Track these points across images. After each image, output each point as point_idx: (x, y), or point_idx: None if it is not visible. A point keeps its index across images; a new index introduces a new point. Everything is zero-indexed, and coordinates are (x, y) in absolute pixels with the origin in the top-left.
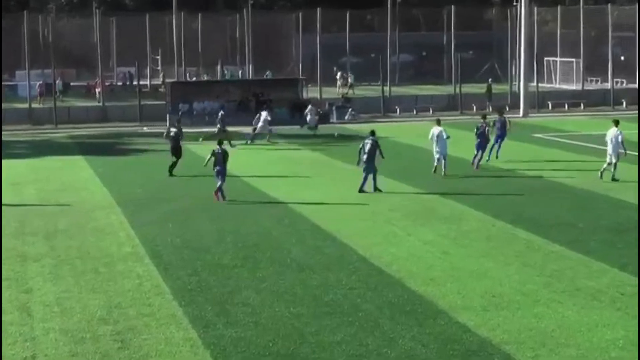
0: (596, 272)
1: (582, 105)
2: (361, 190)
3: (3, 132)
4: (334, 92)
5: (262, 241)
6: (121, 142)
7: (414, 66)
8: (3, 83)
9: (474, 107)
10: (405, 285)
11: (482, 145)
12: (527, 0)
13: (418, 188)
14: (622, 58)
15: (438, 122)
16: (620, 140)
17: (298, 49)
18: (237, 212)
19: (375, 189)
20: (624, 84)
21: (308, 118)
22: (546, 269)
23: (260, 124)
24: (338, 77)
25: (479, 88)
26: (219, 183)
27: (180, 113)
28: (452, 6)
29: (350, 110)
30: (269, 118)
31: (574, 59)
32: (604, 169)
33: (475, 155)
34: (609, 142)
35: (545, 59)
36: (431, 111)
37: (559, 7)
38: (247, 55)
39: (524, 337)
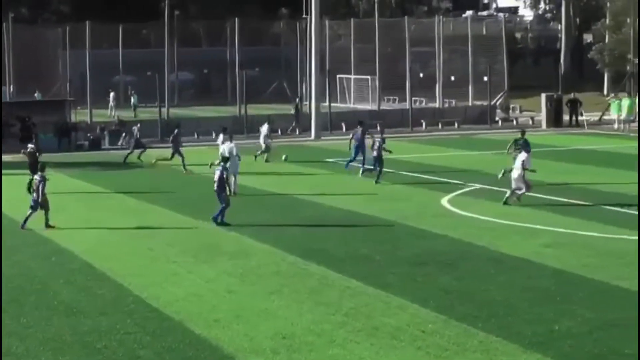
0: (395, 308)
1: (378, 126)
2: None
3: None
4: (106, 114)
5: (27, 283)
6: None
7: (195, 85)
8: None
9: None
10: (187, 328)
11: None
12: (317, 13)
13: (199, 220)
14: (421, 75)
15: (230, 138)
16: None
17: (65, 67)
18: None
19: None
20: (423, 103)
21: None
22: (342, 307)
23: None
24: (111, 98)
25: (266, 109)
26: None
27: None
28: (236, 19)
29: (124, 135)
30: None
31: (369, 77)
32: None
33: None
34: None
35: (339, 76)
36: (214, 134)
37: (352, 21)
38: (7, 74)
39: None
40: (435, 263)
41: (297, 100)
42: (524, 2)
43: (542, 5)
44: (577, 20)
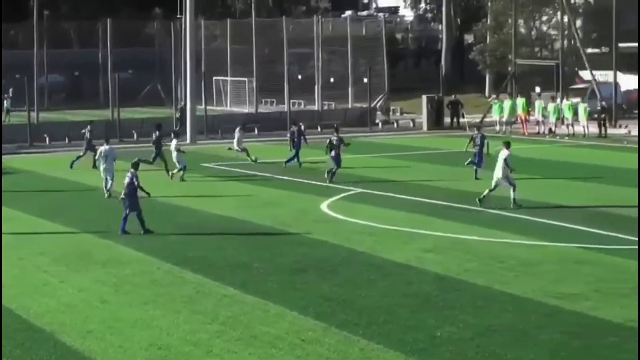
0: (274, 316)
1: (256, 129)
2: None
3: None
4: None
5: None
6: None
7: (66, 88)
8: None
9: (135, 135)
10: (59, 340)
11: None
12: (192, 13)
13: (70, 227)
14: (300, 77)
15: (107, 141)
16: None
17: None
18: None
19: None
20: (302, 106)
21: None
22: (219, 316)
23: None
24: None
25: (140, 112)
26: None
27: None
28: (108, 19)
29: None
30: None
31: (246, 78)
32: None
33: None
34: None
35: (215, 78)
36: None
37: (228, 21)
38: None
39: None
40: (315, 270)
41: (182, 103)
42: (404, 2)
43: (422, 5)
44: (458, 20)
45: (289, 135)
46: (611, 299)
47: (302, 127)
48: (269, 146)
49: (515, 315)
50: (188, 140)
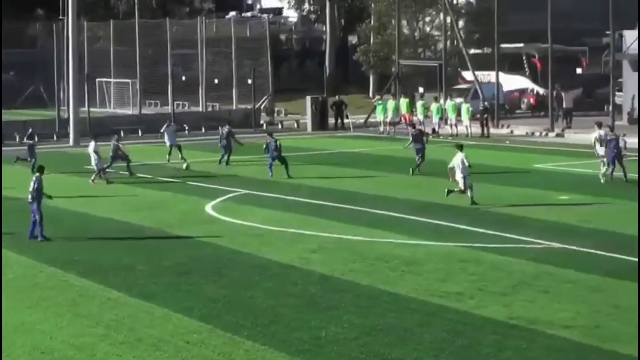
0: (159, 319)
1: (140, 131)
2: None
3: None
4: None
5: None
6: None
7: None
8: None
9: (17, 137)
10: None
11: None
12: (74, 14)
13: None
14: (184, 78)
15: None
16: (467, 164)
17: None
18: None
19: None
20: (187, 107)
21: None
22: (103, 319)
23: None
24: None
25: (24, 115)
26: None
27: None
28: None
29: None
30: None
31: (129, 80)
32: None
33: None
34: (456, 167)
35: (98, 80)
36: None
37: (111, 22)
38: None
39: None
40: (200, 271)
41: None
42: (288, 3)
43: (306, 6)
44: (342, 21)
45: (219, 135)
46: (494, 297)
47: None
48: (152, 147)
49: (399, 315)
50: (71, 143)
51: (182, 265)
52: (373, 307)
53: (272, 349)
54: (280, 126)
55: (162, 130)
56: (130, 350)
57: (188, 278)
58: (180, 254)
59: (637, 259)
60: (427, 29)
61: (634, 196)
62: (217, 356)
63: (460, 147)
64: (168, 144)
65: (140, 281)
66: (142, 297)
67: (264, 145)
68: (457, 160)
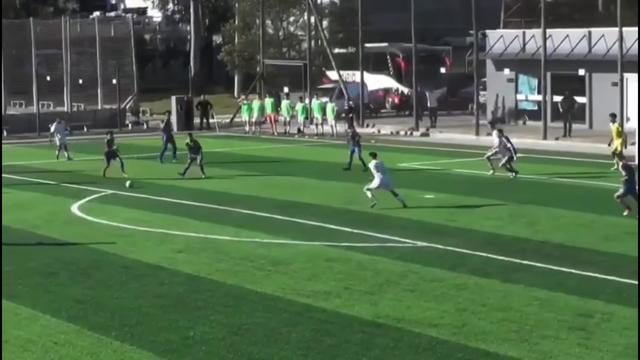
0: (26, 320)
1: (5, 132)
2: None
3: None
4: None
5: None
6: None
7: None
8: None
9: None
10: None
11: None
12: None
13: None
14: (49, 78)
15: None
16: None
17: None
18: None
19: None
20: (52, 107)
21: None
22: None
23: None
24: None
25: None
26: None
27: None
28: None
29: None
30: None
31: None
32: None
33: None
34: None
35: None
36: None
37: None
38: None
39: None
40: (67, 272)
41: None
42: (152, 2)
43: (170, 6)
44: (207, 21)
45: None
46: (360, 296)
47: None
48: (17, 148)
49: (266, 314)
50: None
51: (48, 266)
52: (240, 306)
53: (140, 349)
54: (145, 126)
55: (52, 130)
56: None
57: (54, 279)
58: (46, 254)
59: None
60: (292, 28)
61: (500, 195)
62: (85, 356)
63: (374, 155)
64: (58, 143)
65: (6, 282)
66: (9, 298)
67: None
68: (371, 167)
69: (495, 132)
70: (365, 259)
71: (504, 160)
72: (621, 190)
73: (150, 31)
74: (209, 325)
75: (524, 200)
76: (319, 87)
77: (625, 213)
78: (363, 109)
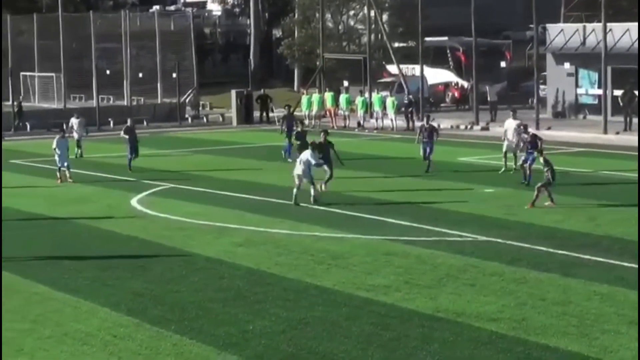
0: (85, 313)
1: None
2: None
3: None
4: None
5: None
6: None
7: None
8: None
9: None
10: None
11: None
12: None
13: None
14: (108, 72)
15: None
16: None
17: None
18: None
19: None
20: (111, 101)
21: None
22: (29, 313)
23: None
24: None
25: None
26: None
27: None
28: None
29: None
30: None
31: (54, 74)
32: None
33: None
34: None
35: (22, 74)
36: None
37: (34, 15)
38: None
39: None
40: (126, 266)
41: (21, 98)
42: None
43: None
44: (266, 15)
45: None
46: (420, 290)
47: None
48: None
49: (326, 308)
50: None
51: (107, 259)
52: (300, 300)
53: (200, 343)
54: (205, 120)
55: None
56: (57, 345)
57: (114, 272)
58: (106, 248)
59: (562, 251)
60: (351, 22)
61: (559, 189)
62: (144, 350)
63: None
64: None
65: (66, 275)
66: (68, 291)
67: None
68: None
69: (518, 126)
70: (424, 253)
71: (526, 163)
72: None
73: (209, 25)
74: (268, 319)
75: (584, 195)
76: (378, 81)
77: None
78: (423, 103)
